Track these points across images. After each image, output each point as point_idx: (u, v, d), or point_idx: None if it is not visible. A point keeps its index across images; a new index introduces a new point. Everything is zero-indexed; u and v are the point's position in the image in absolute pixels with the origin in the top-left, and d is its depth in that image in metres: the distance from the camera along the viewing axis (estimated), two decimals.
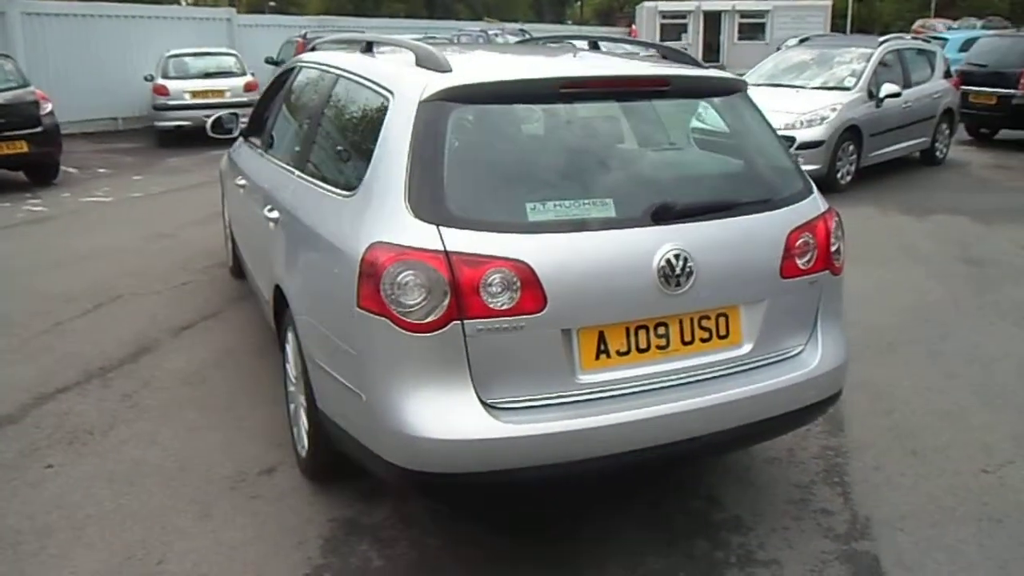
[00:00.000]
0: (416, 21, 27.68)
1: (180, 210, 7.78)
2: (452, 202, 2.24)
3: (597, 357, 2.33)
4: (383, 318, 2.21)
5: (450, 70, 2.45)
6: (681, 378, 2.43)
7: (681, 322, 2.42)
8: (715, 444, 2.55)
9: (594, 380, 2.33)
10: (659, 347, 2.40)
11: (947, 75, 9.80)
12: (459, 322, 2.17)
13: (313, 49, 4.11)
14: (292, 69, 4.08)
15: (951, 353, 4.27)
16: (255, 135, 4.55)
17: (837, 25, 33.24)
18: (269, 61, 14.77)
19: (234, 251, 5.20)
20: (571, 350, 2.30)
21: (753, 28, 34.07)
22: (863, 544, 2.71)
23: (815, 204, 2.67)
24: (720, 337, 2.49)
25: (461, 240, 2.18)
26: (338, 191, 2.63)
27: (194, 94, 12.04)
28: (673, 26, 34.13)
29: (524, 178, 2.44)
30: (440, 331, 2.17)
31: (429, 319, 2.17)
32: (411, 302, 2.17)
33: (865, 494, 2.99)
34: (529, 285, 2.19)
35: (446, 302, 2.16)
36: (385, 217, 2.29)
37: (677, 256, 2.32)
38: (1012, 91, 10.42)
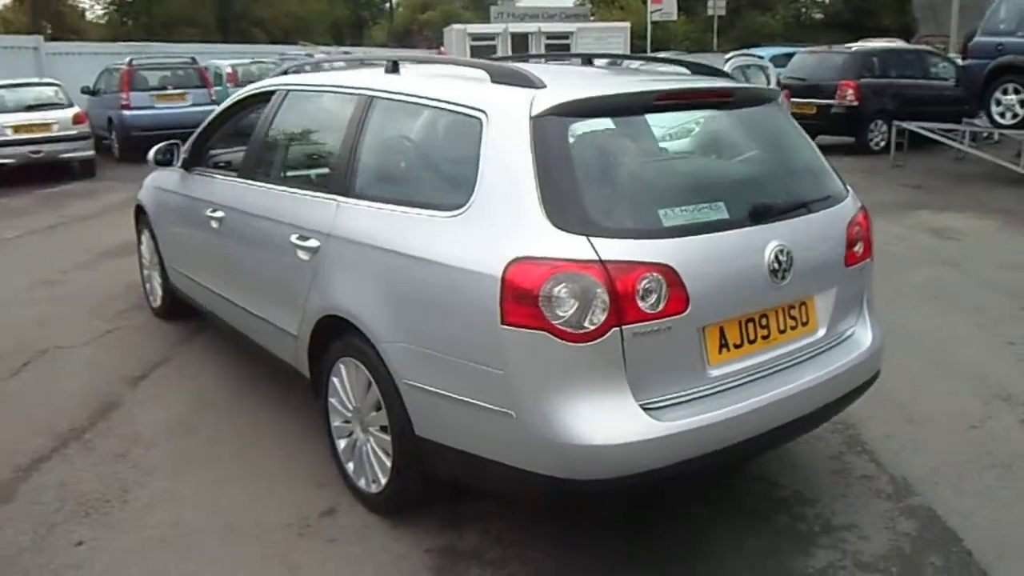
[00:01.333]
0: (242, 46, 27.00)
1: (52, 254, 7.03)
2: (594, 212, 2.29)
3: (720, 351, 2.46)
4: (541, 332, 2.21)
5: (546, 86, 2.49)
6: (779, 365, 2.62)
7: (778, 312, 2.61)
8: (806, 425, 2.76)
9: (720, 373, 2.46)
10: (763, 337, 2.57)
11: (778, 86, 10.91)
12: (618, 328, 2.22)
13: (286, 72, 3.94)
14: (261, 95, 3.88)
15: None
16: (209, 165, 4.29)
17: (637, 45, 35.63)
18: (86, 91, 13.65)
19: (168, 292, 4.82)
20: (703, 346, 2.41)
21: (559, 49, 35.76)
22: (914, 499, 3.03)
23: (855, 200, 2.97)
24: (803, 324, 2.70)
25: (613, 248, 2.24)
26: (430, 212, 2.58)
27: (16, 129, 10.85)
28: (483, 47, 35.05)
29: (648, 185, 2.54)
30: (601, 339, 2.21)
31: (591, 328, 2.20)
32: (572, 313, 2.20)
33: (891, 459, 3.32)
34: (674, 287, 2.29)
35: (606, 310, 2.20)
36: (521, 232, 2.29)
37: (782, 251, 2.51)
38: (830, 101, 11.78)
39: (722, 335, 2.46)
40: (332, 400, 3.08)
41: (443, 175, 2.76)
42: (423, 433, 2.60)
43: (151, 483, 3.19)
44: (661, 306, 2.27)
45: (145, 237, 5.06)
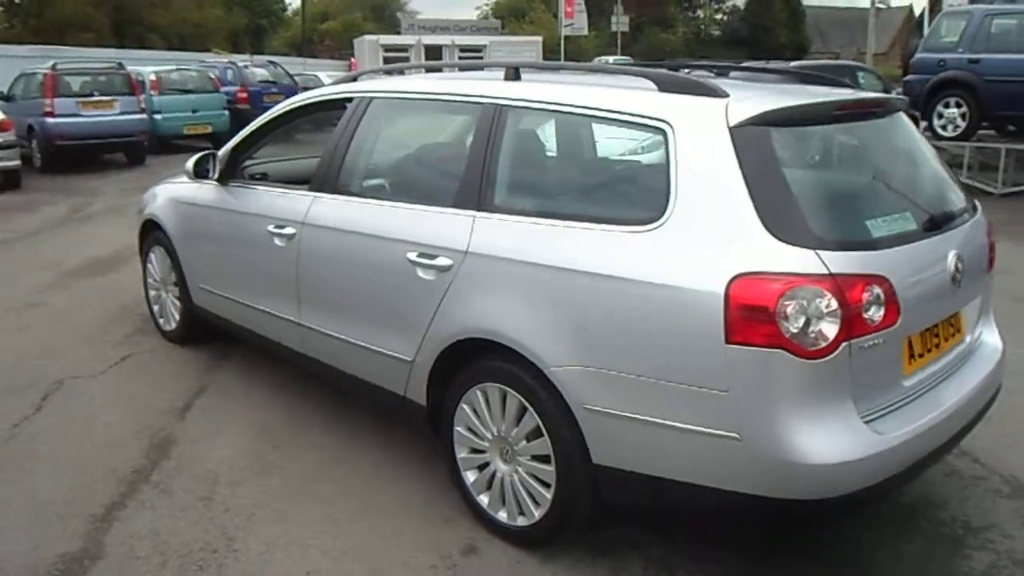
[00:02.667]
0: (161, 53, 26.21)
1: (16, 274, 6.36)
2: (813, 225, 2.22)
3: (909, 361, 2.43)
4: (775, 350, 2.11)
5: (728, 96, 2.40)
6: (947, 372, 2.62)
7: (944, 320, 2.60)
8: (965, 434, 2.76)
9: (910, 383, 2.44)
10: (935, 346, 2.56)
11: None
12: (847, 343, 2.15)
13: (355, 80, 3.69)
14: (326, 103, 3.64)
15: None
16: (246, 177, 3.99)
17: (550, 59, 36.06)
18: (1, 96, 12.64)
19: (188, 314, 4.45)
20: (901, 357, 2.38)
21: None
22: None
23: (981, 210, 3.01)
24: (956, 332, 2.71)
25: (838, 261, 2.17)
26: (608, 227, 2.43)
27: None
28: (395, 59, 34.69)
29: (853, 196, 2.49)
30: (833, 354, 2.14)
31: (825, 344, 2.12)
32: (807, 329, 2.11)
33: (990, 458, 3.36)
34: (889, 299, 2.24)
35: (838, 325, 2.13)
36: (741, 247, 2.18)
37: (959, 258, 2.51)
38: None
39: (910, 345, 2.44)
40: (459, 429, 2.87)
41: (619, 188, 2.63)
42: (603, 460, 2.45)
43: (256, 528, 2.89)
44: (879, 319, 2.22)
45: (157, 255, 4.66)
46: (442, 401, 2.93)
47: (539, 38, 35.72)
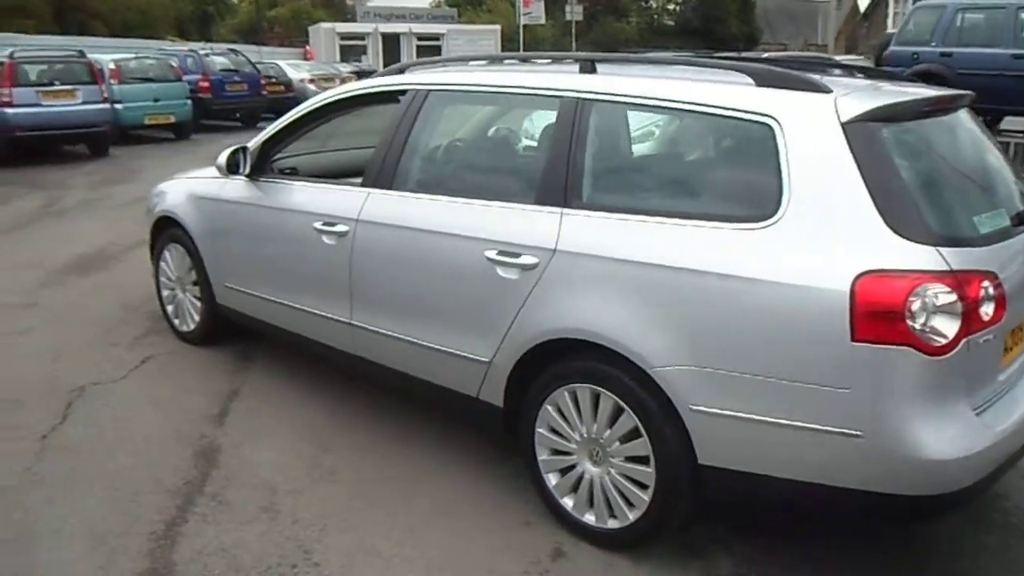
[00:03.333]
0: (116, 40, 25.46)
1: (7, 273, 6.08)
2: (931, 221, 2.20)
3: (1004, 355, 2.44)
4: (902, 347, 2.09)
5: (832, 91, 2.37)
6: (1018, 370, 2.62)
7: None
8: None
9: (1003, 377, 2.45)
10: (1017, 341, 2.57)
11: None
12: (967, 339, 2.15)
13: (402, 71, 3.56)
14: (375, 96, 3.51)
15: None
16: (276, 172, 3.85)
17: (507, 47, 35.86)
18: None
19: (211, 314, 4.28)
20: (1000, 352, 2.39)
21: (430, 50, 35.43)
22: None
23: None
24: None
25: (957, 258, 2.16)
26: (716, 224, 2.37)
27: None
28: (352, 47, 34.25)
29: (960, 192, 2.48)
30: (955, 350, 2.13)
31: (947, 340, 2.11)
32: (933, 325, 2.10)
33: None
34: (999, 295, 2.24)
35: (960, 321, 2.12)
36: (864, 244, 2.16)
37: None
38: None
39: (1005, 340, 2.45)
40: (541, 431, 2.80)
41: (724, 184, 2.56)
42: (710, 460, 2.41)
43: (331, 539, 2.77)
44: (990, 314, 2.23)
45: (174, 253, 4.46)
46: (520, 402, 2.86)
47: (497, 27, 35.57)
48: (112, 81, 13.71)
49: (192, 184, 4.36)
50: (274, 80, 19.59)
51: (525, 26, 33.40)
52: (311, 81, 22.33)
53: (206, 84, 16.54)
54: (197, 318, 4.42)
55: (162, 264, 4.60)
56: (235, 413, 3.70)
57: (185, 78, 15.52)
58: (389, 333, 3.22)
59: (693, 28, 45.78)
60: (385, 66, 31.39)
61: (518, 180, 2.98)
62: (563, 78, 2.90)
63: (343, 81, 23.93)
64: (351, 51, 33.76)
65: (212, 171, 4.31)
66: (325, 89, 23.16)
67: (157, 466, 3.22)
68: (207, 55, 17.81)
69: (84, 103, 11.83)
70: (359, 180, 3.38)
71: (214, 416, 3.67)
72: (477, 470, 3.19)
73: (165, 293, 4.65)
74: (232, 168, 3.85)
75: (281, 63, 22.06)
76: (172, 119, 14.65)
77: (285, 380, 4.05)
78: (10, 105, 11.13)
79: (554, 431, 2.77)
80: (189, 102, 15.04)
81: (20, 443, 3.38)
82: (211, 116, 16.58)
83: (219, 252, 4.10)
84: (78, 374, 4.09)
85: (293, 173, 4.10)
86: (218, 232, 4.08)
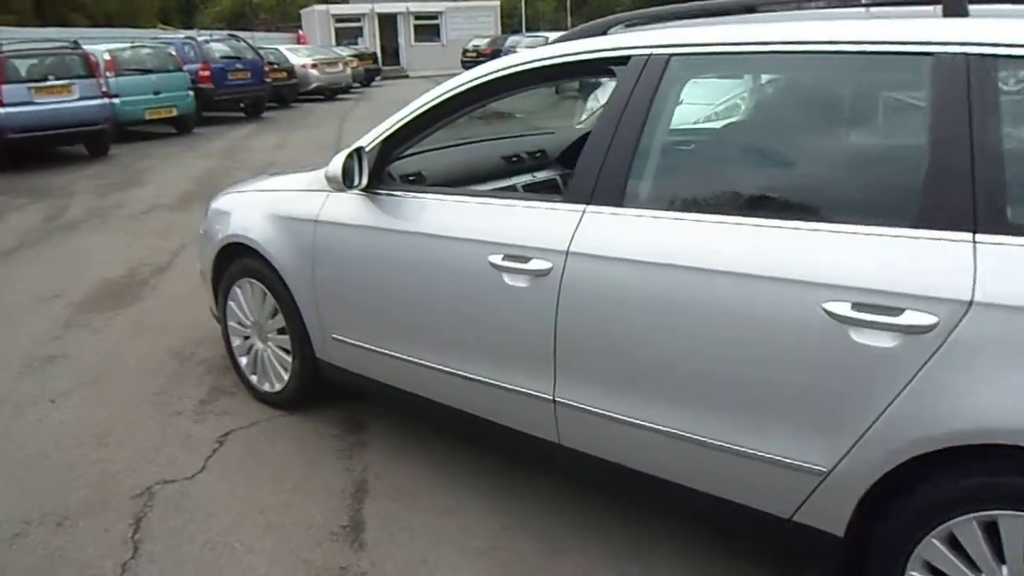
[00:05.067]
0: (109, 30, 24.41)
1: (21, 310, 4.95)
2: None
3: None
4: None
5: None
6: None
7: None
8: None
9: None
10: None
11: None
12: None
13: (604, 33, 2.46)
14: (573, 65, 2.40)
15: None
16: (407, 182, 2.81)
17: (507, 24, 34.54)
18: None
19: (309, 372, 3.20)
20: None
21: (428, 30, 34.14)
22: None
23: None
24: None
25: None
26: None
27: None
28: (348, 30, 32.92)
29: None
30: None
31: None
32: None
33: None
34: None
35: None
36: None
37: None
38: None
39: None
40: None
41: None
42: None
43: None
44: None
45: (249, 291, 3.37)
46: (878, 532, 1.81)
47: (496, 3, 34.24)
48: (108, 74, 12.48)
49: (272, 199, 3.26)
50: (276, 66, 18.37)
51: (527, 2, 32.13)
52: (313, 66, 21.19)
53: (207, 73, 15.32)
54: (286, 376, 3.33)
55: (231, 305, 3.50)
56: (373, 525, 2.62)
57: (184, 67, 14.30)
58: (634, 420, 2.15)
59: None
60: (383, 49, 30.41)
61: (863, 189, 1.91)
62: (922, 27, 1.82)
63: (347, 66, 22.83)
64: (346, 34, 32.48)
65: (296, 180, 3.24)
66: (329, 75, 22.07)
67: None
68: (206, 42, 16.53)
69: (81, 99, 10.64)
70: (508, 187, 2.34)
71: (345, 532, 2.59)
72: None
73: (236, 342, 3.56)
74: (351, 180, 2.74)
75: (282, 48, 20.81)
76: (174, 112, 13.47)
77: (420, 459, 2.98)
78: (0, 105, 9.92)
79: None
80: (191, 93, 13.85)
81: None
82: (213, 107, 15.38)
83: (323, 293, 3.00)
84: (138, 467, 3.00)
85: (418, 181, 3.02)
86: (322, 266, 2.97)
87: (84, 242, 6.65)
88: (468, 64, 25.85)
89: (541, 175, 3.58)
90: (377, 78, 27.94)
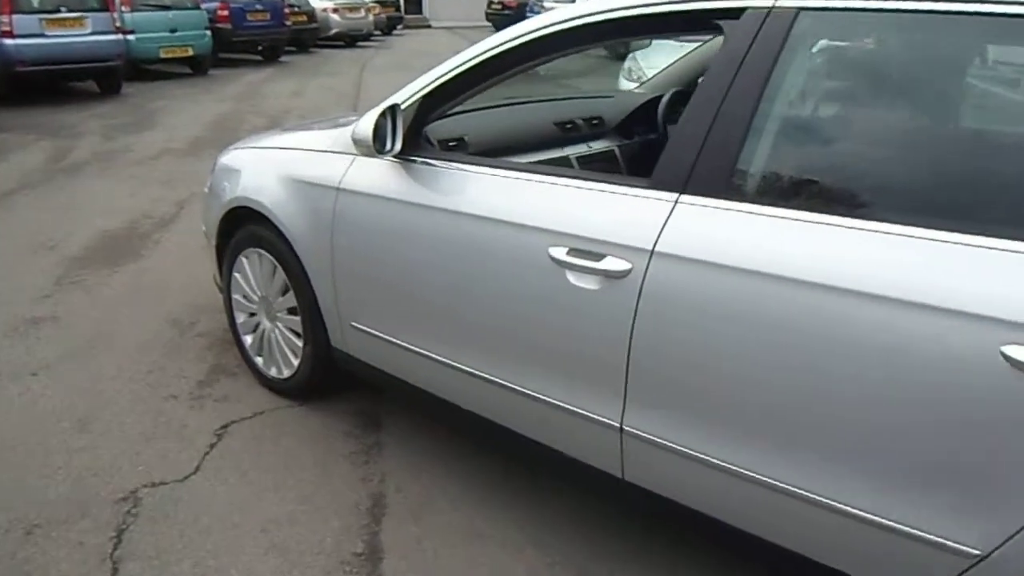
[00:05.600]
0: None
1: (10, 262, 4.56)
2: None
3: None
4: None
5: None
6: None
7: None
8: None
9: None
10: None
11: None
12: None
13: None
14: (664, 18, 1.92)
15: None
16: (453, 149, 2.39)
17: None
18: None
19: (324, 360, 2.80)
20: None
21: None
22: None
23: None
24: None
25: None
26: None
27: None
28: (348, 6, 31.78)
29: None
30: None
31: None
32: None
33: None
34: None
35: None
36: None
37: None
38: None
39: None
40: None
41: None
42: None
43: None
44: None
45: (257, 263, 2.95)
46: None
47: None
48: (124, 8, 11.94)
49: (288, 159, 2.82)
50: (297, 9, 17.72)
51: None
52: (334, 11, 20.52)
53: (225, 13, 14.74)
54: (295, 362, 2.93)
55: (237, 276, 3.08)
56: (392, 555, 2.23)
57: (203, 6, 13.73)
58: (731, 466, 1.73)
59: None
60: None
61: None
62: None
63: (369, 12, 22.08)
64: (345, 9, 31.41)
65: (317, 138, 2.81)
66: (350, 21, 21.38)
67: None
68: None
69: (94, 33, 10.14)
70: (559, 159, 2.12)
71: (359, 561, 2.21)
72: None
73: (241, 318, 3.15)
74: (380, 142, 2.30)
75: None
76: (190, 52, 12.97)
77: (443, 467, 2.58)
78: (10, 35, 9.44)
79: None
80: (208, 33, 13.31)
81: None
82: (230, 49, 14.85)
83: (342, 273, 2.58)
84: (124, 463, 2.62)
85: (460, 148, 2.57)
86: (342, 242, 2.54)
87: (86, 187, 6.23)
88: (492, 16, 24.99)
89: (597, 145, 3.13)
90: (399, 26, 27.17)
